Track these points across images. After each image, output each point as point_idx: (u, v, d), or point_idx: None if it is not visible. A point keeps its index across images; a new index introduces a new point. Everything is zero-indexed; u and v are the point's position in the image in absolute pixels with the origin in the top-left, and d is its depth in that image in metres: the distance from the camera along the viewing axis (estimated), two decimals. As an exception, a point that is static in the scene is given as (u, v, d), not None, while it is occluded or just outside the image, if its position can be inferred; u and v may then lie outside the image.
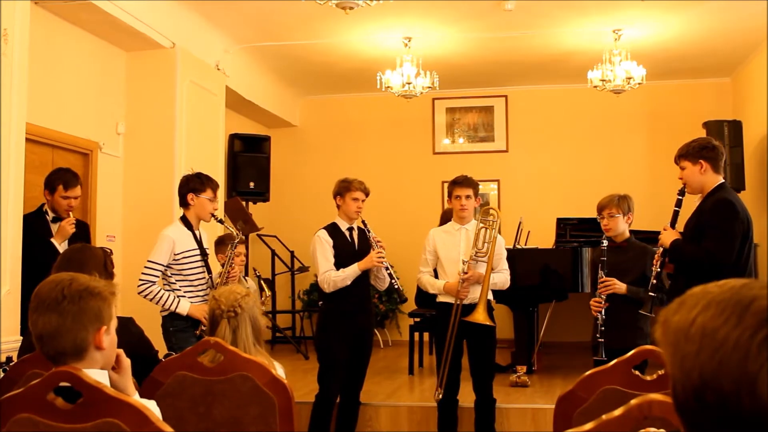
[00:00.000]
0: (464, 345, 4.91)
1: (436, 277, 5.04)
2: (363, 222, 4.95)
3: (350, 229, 4.97)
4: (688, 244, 4.18)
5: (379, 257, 4.79)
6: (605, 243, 4.47)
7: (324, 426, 4.87)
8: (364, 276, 4.89)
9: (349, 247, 4.90)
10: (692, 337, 0.89)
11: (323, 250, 4.84)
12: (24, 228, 4.78)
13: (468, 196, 4.89)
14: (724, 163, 4.27)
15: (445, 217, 6.65)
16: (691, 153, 4.23)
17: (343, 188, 4.95)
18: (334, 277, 4.77)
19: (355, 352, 4.89)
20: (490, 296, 4.92)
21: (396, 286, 4.91)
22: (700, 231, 4.13)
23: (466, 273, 4.76)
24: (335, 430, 5.00)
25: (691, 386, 0.87)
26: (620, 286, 4.40)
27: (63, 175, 5.01)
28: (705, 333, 0.87)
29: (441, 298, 4.96)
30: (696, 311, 0.91)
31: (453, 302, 4.83)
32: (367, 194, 4.99)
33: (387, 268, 4.85)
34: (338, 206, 4.98)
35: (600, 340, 4.35)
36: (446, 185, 5.09)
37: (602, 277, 4.43)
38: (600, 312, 4.39)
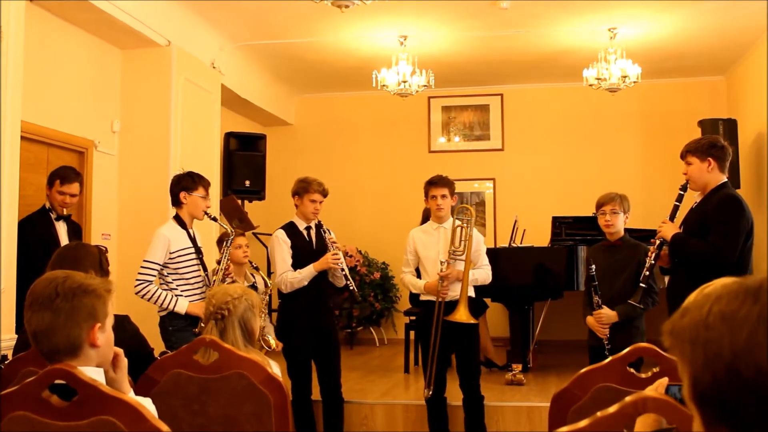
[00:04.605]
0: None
1: (419, 276, 5.09)
2: (318, 222, 5.00)
3: (308, 228, 5.02)
4: (691, 237, 4.20)
5: (335, 258, 4.84)
6: (593, 268, 4.46)
7: (306, 421, 4.96)
8: (322, 276, 4.94)
9: (307, 247, 4.97)
10: (712, 325, 0.93)
11: (281, 250, 4.92)
12: (28, 228, 4.81)
13: (444, 196, 4.96)
14: (729, 163, 4.30)
15: (426, 215, 6.69)
16: (700, 149, 4.25)
17: (302, 189, 4.98)
18: (290, 279, 4.85)
19: (320, 349, 4.97)
20: (471, 293, 4.96)
21: (351, 288, 4.96)
22: (704, 226, 4.15)
23: (444, 272, 4.80)
24: (324, 428, 5.06)
25: (722, 366, 0.90)
26: (610, 316, 4.40)
27: (61, 171, 5.08)
28: (725, 317, 0.92)
29: (424, 297, 5.04)
30: (707, 306, 0.95)
31: (435, 300, 4.88)
32: (325, 195, 5.01)
33: (342, 269, 4.89)
34: (296, 206, 5.02)
35: (607, 354, 4.33)
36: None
37: (596, 304, 4.43)
38: (606, 335, 4.40)
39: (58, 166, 5.31)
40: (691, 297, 1.00)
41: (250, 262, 5.73)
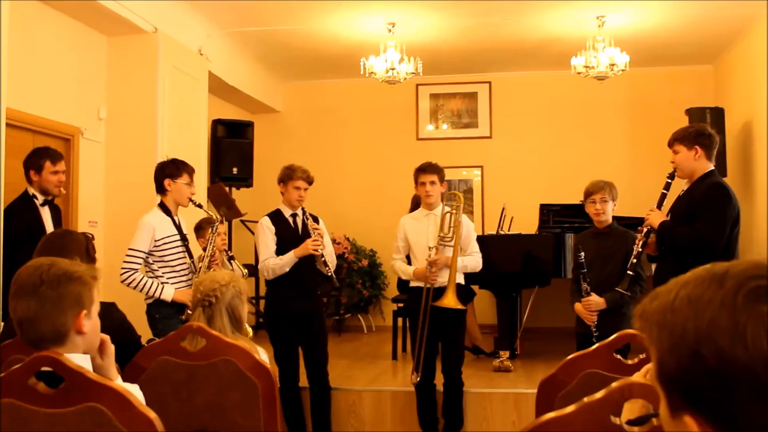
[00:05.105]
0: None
1: (409, 263, 5.11)
2: (302, 209, 5.02)
3: (294, 216, 5.04)
4: (678, 225, 4.22)
5: (315, 245, 4.85)
6: (582, 255, 4.48)
7: (293, 407, 5.00)
8: (308, 262, 4.95)
9: (293, 234, 4.98)
10: (678, 308, 0.94)
11: (264, 237, 4.95)
12: (13, 216, 4.75)
13: (432, 182, 4.99)
14: (716, 152, 4.32)
15: (415, 202, 6.68)
16: (687, 138, 4.27)
17: (286, 176, 5.00)
18: (272, 265, 4.88)
19: (306, 336, 4.98)
20: (461, 280, 5.00)
21: (329, 275, 4.99)
22: (691, 214, 4.17)
23: (432, 258, 4.83)
24: (311, 415, 5.09)
25: (686, 349, 0.92)
26: (598, 302, 4.42)
27: (48, 151, 4.97)
28: (690, 300, 0.93)
29: (413, 284, 5.07)
30: (675, 291, 0.96)
31: (423, 286, 4.91)
32: (309, 183, 5.03)
33: (322, 256, 4.91)
34: (282, 193, 5.05)
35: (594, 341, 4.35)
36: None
37: (585, 291, 4.45)
38: (594, 322, 4.42)
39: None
40: (667, 283, 1.01)
41: (226, 251, 5.73)
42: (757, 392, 0.86)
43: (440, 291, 4.87)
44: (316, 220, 5.02)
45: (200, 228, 5.24)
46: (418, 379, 4.98)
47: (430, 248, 4.89)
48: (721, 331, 0.89)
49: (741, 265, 0.94)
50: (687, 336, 0.92)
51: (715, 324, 0.89)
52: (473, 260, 5.03)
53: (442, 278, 4.89)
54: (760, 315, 0.87)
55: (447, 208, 4.96)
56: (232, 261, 5.78)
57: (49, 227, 4.88)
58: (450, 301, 4.81)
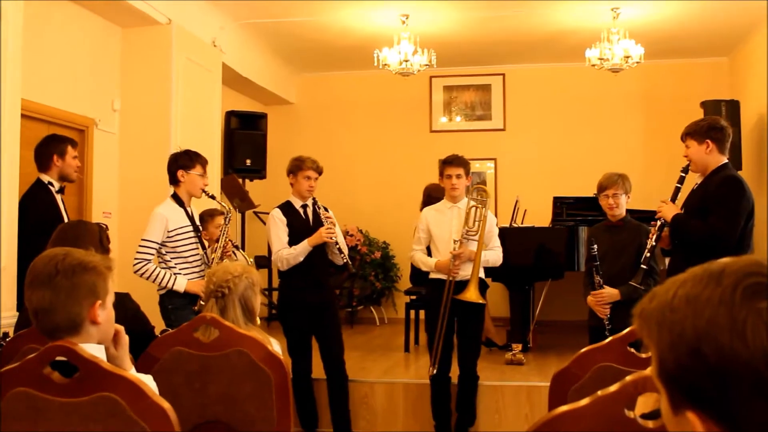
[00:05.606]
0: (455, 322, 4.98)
1: (429, 255, 5.09)
2: (313, 199, 5.02)
3: (304, 207, 5.04)
4: (691, 218, 4.20)
5: (328, 233, 4.85)
6: (595, 248, 4.46)
7: (305, 399, 5.02)
8: (319, 253, 4.94)
9: (304, 225, 4.98)
10: (677, 307, 0.95)
11: (276, 228, 4.95)
12: (32, 204, 4.76)
13: (459, 175, 4.96)
14: (729, 144, 4.29)
15: (427, 194, 6.66)
16: (698, 132, 4.24)
17: (296, 167, 5.00)
18: (286, 255, 4.88)
19: (319, 327, 4.99)
20: (482, 274, 4.99)
21: (345, 261, 5.00)
22: (704, 208, 4.14)
23: (457, 251, 4.81)
24: (329, 405, 5.10)
25: (685, 347, 0.92)
26: (612, 294, 4.40)
27: (66, 138, 4.99)
28: (689, 299, 0.94)
29: (433, 276, 5.04)
30: (673, 290, 0.97)
31: (445, 279, 4.89)
32: (319, 173, 5.02)
33: (336, 244, 4.92)
34: (292, 184, 5.04)
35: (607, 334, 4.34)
36: (442, 164, 5.11)
37: (597, 284, 4.44)
38: (606, 315, 4.41)
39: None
40: (664, 283, 1.02)
41: (231, 241, 5.73)
42: (757, 389, 0.87)
43: (461, 284, 4.86)
44: (326, 210, 5.03)
45: (202, 220, 5.24)
46: (435, 371, 4.97)
47: (455, 241, 4.87)
48: (721, 328, 0.89)
49: (738, 263, 0.95)
50: (686, 334, 0.92)
51: (714, 321, 0.90)
52: (495, 255, 5.02)
53: (464, 271, 4.88)
54: (759, 311, 0.88)
55: (473, 202, 4.94)
56: (236, 251, 5.80)
57: (65, 215, 4.90)
58: (472, 294, 4.81)
